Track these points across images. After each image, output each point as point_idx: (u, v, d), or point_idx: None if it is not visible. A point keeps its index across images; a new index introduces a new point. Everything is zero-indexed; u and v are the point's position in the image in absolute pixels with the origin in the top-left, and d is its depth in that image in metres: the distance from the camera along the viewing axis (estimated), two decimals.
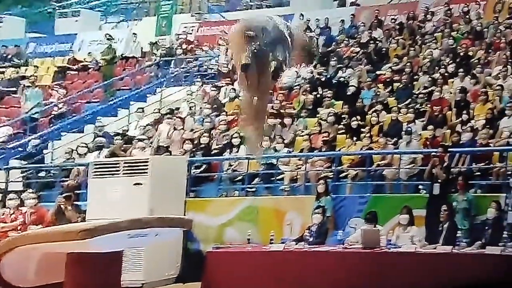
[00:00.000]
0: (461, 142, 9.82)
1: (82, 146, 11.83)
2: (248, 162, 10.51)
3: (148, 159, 9.83)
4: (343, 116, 11.76)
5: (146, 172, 9.53)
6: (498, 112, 10.56)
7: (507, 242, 6.64)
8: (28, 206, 9.63)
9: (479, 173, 9.22)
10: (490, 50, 13.05)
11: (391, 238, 7.18)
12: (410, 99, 11.84)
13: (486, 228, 7.30)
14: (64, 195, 9.91)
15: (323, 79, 13.59)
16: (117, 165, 9.78)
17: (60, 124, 13.39)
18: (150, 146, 11.47)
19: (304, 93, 12.90)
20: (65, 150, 12.06)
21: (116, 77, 15.23)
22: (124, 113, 13.96)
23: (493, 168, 9.19)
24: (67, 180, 11.26)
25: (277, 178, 10.18)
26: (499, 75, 11.73)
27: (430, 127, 10.33)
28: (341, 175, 9.96)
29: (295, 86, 13.52)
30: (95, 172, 9.88)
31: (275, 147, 10.81)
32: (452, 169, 9.02)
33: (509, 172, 8.63)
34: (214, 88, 13.99)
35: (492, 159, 9.40)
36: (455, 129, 10.34)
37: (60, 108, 14.14)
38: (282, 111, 12.38)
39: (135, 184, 9.51)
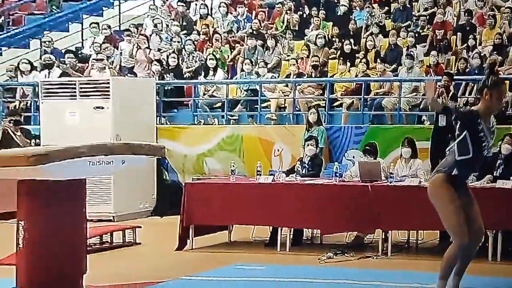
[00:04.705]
0: (467, 69, 10.00)
1: (25, 63, 11.47)
2: (227, 87, 10.44)
3: (108, 80, 9.64)
4: (333, 39, 11.76)
5: (108, 95, 9.38)
6: (507, 38, 10.74)
7: None
8: None
9: None
10: None
11: (392, 171, 7.31)
12: (409, 22, 11.91)
13: (498, 161, 7.52)
14: (10, 118, 9.70)
15: None
16: (73, 86, 9.56)
17: None
18: (110, 67, 11.21)
19: (288, 12, 12.77)
20: (7, 68, 11.65)
21: None
22: (76, 28, 13.54)
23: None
24: (12, 101, 10.99)
25: (262, 105, 10.16)
26: None
27: (433, 52, 10.45)
28: (334, 104, 10.04)
29: (277, 3, 13.35)
30: (46, 93, 9.65)
31: (258, 72, 10.76)
32: (458, 99, 9.20)
33: None
34: (182, 3, 13.68)
35: None
36: (461, 55, 10.50)
37: None
38: (263, 31, 12.28)
39: (95, 107, 9.36)
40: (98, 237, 7.26)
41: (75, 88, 9.52)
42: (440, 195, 4.57)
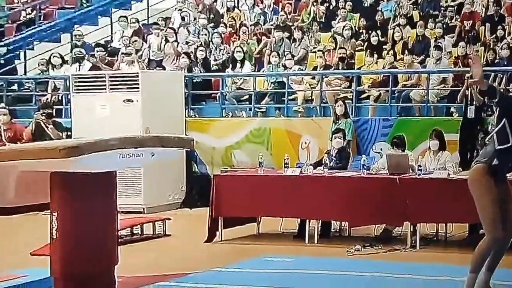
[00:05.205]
0: (496, 60, 9.83)
1: (56, 57, 11.58)
2: (255, 79, 10.41)
3: (137, 73, 9.68)
4: (360, 30, 11.66)
5: (137, 88, 9.43)
6: None
7: None
8: (1, 121, 9.53)
9: None
10: None
11: (421, 163, 7.23)
12: (437, 13, 11.76)
13: None
14: (42, 111, 9.82)
15: None
16: (103, 80, 9.63)
17: (30, 32, 13.01)
18: (139, 60, 11.24)
19: (314, 3, 12.68)
20: (39, 61, 11.78)
21: None
22: (105, 21, 13.63)
23: None
24: (44, 94, 11.11)
25: (289, 98, 10.12)
26: None
27: (462, 43, 10.29)
28: (361, 96, 9.96)
29: None
30: (77, 86, 9.74)
31: (285, 64, 10.72)
32: None
33: None
34: None
35: None
36: (490, 46, 10.33)
37: (29, 14, 13.73)
38: (289, 23, 12.22)
39: (125, 100, 9.42)
40: (129, 228, 7.33)
41: (105, 82, 9.59)
42: (479, 186, 4.50)
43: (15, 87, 11.85)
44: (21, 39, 12.82)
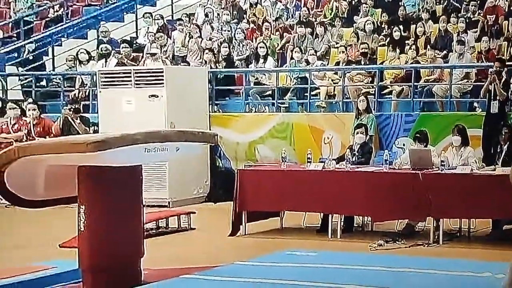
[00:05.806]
0: None
1: (83, 53, 11.66)
2: (277, 75, 10.38)
3: (162, 69, 9.71)
4: (383, 25, 11.55)
5: (162, 84, 9.45)
6: None
7: None
8: (31, 116, 9.63)
9: None
10: None
11: (444, 159, 7.15)
12: (460, 7, 11.59)
13: None
14: (70, 106, 9.90)
15: None
16: (129, 75, 9.67)
17: (58, 29, 13.12)
18: (164, 56, 11.27)
19: None
20: (66, 57, 11.88)
21: None
22: (131, 18, 13.70)
23: None
24: (72, 90, 11.20)
25: (312, 93, 10.08)
26: None
27: (485, 38, 10.14)
28: (384, 91, 9.87)
29: None
30: (104, 82, 9.79)
31: (307, 60, 10.67)
32: (511, 85, 8.90)
33: None
34: None
35: None
36: None
37: (57, 11, 13.86)
38: (312, 19, 12.15)
39: (150, 96, 9.46)
40: (154, 222, 7.37)
41: (130, 77, 9.63)
42: None
43: (43, 82, 11.96)
44: (49, 36, 12.93)
